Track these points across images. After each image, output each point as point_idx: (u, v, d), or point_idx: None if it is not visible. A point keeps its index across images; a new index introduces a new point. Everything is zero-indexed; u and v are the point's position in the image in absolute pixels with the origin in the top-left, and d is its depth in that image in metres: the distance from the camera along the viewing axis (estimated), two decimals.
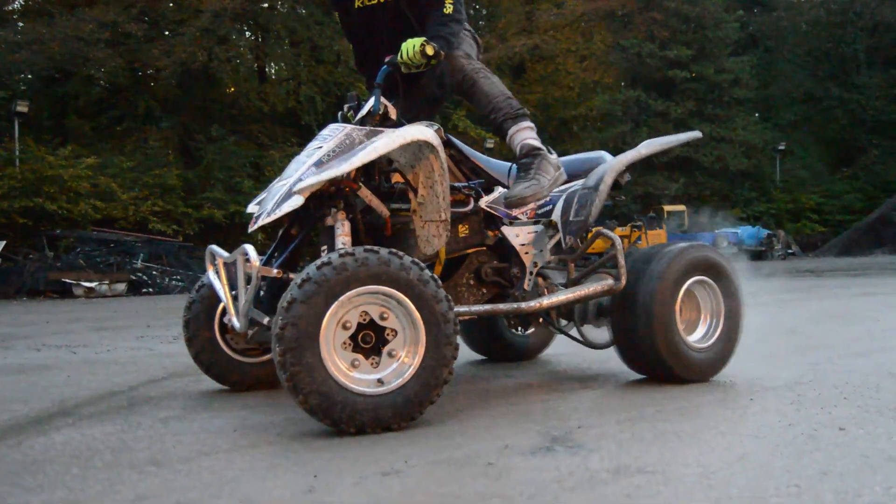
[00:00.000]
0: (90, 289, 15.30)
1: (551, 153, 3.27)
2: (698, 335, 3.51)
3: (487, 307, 3.22)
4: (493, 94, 3.24)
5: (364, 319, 2.63)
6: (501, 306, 3.24)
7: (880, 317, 6.44)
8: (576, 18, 34.32)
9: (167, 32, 24.15)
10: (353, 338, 2.62)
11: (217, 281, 3.17)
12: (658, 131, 33.85)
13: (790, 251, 30.33)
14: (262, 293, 3.12)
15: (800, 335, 5.31)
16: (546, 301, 3.28)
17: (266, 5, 26.52)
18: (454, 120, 29.94)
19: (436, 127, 3.05)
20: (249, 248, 2.81)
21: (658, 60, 34.06)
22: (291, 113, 25.11)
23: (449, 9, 3.24)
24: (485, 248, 3.45)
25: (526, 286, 3.41)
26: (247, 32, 27.57)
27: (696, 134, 3.94)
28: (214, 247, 3.30)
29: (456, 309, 2.81)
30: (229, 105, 25.50)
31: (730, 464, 2.10)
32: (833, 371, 3.61)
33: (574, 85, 32.39)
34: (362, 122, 3.13)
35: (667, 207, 29.67)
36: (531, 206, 3.47)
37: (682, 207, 30.05)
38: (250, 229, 2.98)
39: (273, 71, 29.23)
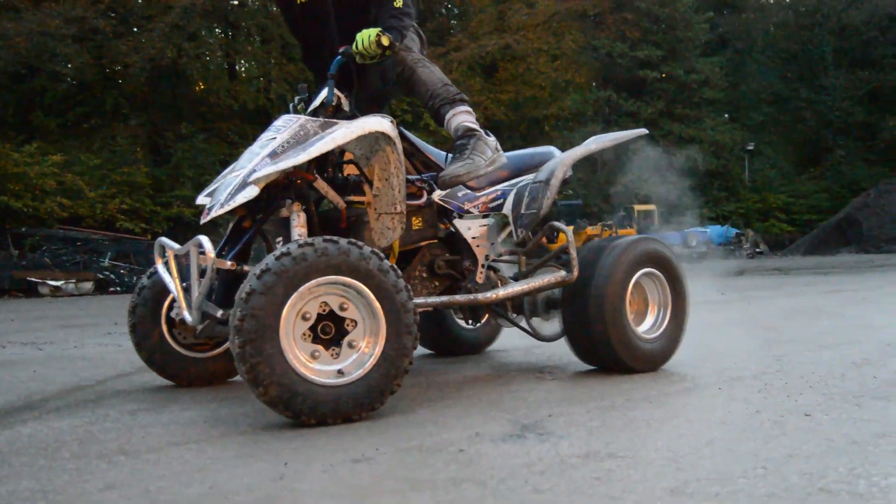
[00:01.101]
0: (56, 288, 15.11)
1: (489, 135, 3.27)
2: (646, 326, 3.59)
3: (444, 298, 3.24)
4: (431, 82, 3.25)
5: (324, 310, 2.61)
6: (458, 297, 3.26)
7: (846, 312, 6.53)
8: (547, 18, 34.40)
9: (136, 28, 23.90)
10: (312, 329, 2.60)
11: (167, 274, 3.12)
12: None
13: (758, 250, 30.66)
14: (214, 286, 3.08)
15: (768, 329, 5.37)
16: (502, 292, 3.31)
17: (236, 2, 26.36)
18: (426, 119, 29.96)
19: (390, 119, 3.03)
20: (204, 240, 2.76)
21: (629, 60, 34.33)
22: (262, 111, 24.95)
23: (399, 2, 3.24)
24: (437, 240, 3.47)
25: (478, 279, 3.46)
26: (216, 29, 27.36)
27: (643, 131, 4.03)
28: (164, 239, 3.27)
29: (415, 300, 2.81)
30: (199, 102, 25.29)
31: (698, 448, 2.12)
32: (799, 362, 3.66)
33: (545, 84, 32.48)
34: (315, 113, 3.10)
35: (637, 206, 29.89)
36: (482, 199, 3.50)
37: (652, 207, 30.28)
38: (202, 221, 2.92)
39: (243, 69, 29.03)
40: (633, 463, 2.00)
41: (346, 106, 3.13)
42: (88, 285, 15.69)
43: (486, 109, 31.37)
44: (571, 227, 28.06)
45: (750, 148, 37.44)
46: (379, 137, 2.96)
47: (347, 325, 2.63)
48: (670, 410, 2.67)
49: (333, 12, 3.34)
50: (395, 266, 2.68)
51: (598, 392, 3.05)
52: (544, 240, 3.67)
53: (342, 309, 2.62)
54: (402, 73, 3.28)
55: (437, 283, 3.47)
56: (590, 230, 26.91)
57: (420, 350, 4.54)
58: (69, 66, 22.58)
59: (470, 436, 2.36)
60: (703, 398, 2.87)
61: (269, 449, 2.31)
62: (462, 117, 3.24)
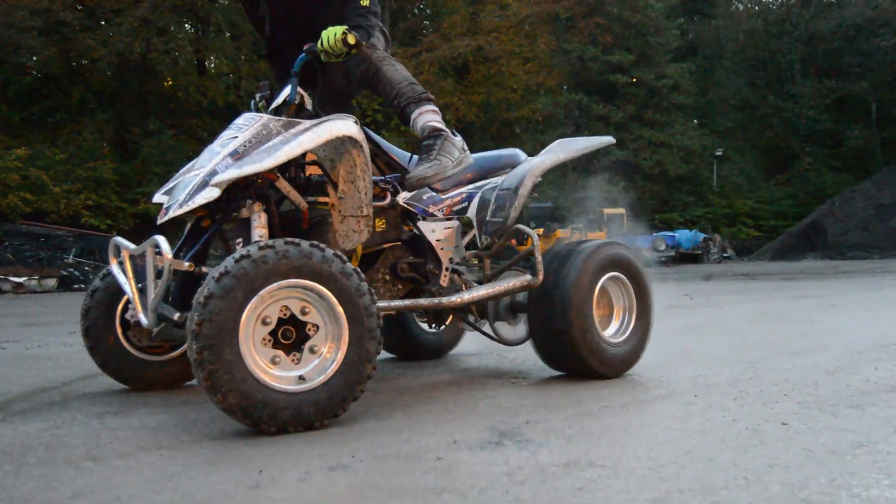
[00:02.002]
0: (19, 284, 14.84)
1: (455, 135, 3.23)
2: (612, 330, 3.59)
3: (408, 302, 3.19)
4: (396, 80, 3.20)
5: (284, 314, 2.54)
6: (422, 301, 3.22)
7: (815, 318, 6.58)
8: (520, 21, 34.51)
9: (104, 22, 23.60)
10: (273, 334, 2.53)
11: (122, 275, 3.02)
12: (599, 135, 34.16)
13: (726, 255, 31.01)
14: (170, 287, 2.98)
15: (738, 335, 5.40)
16: (467, 296, 3.27)
17: None
18: (396, 119, 29.85)
19: (354, 119, 2.98)
20: (161, 240, 2.67)
21: (600, 65, 34.54)
22: (231, 107, 24.73)
23: (366, 1, 3.20)
24: (400, 243, 3.42)
25: (442, 282, 3.42)
26: (186, 25, 27.08)
27: (610, 139, 4.01)
28: (119, 239, 3.17)
29: (378, 304, 2.77)
30: (167, 98, 25.04)
31: (678, 457, 2.10)
32: (772, 369, 3.67)
33: (517, 87, 32.58)
34: (277, 111, 3.04)
35: (606, 210, 30.03)
36: (447, 202, 3.47)
37: (621, 210, 30.46)
38: (159, 220, 2.84)
39: (213, 65, 28.77)
40: (614, 472, 1.98)
41: (308, 105, 3.07)
42: (52, 282, 15.44)
43: (457, 111, 31.37)
44: (541, 230, 28.37)
45: (718, 153, 37.82)
46: (345, 140, 2.90)
47: (309, 329, 2.57)
48: (648, 418, 2.66)
49: (298, 10, 3.28)
50: (359, 269, 2.63)
51: (574, 398, 3.04)
52: (513, 241, 3.66)
53: (304, 313, 2.56)
54: (367, 70, 3.21)
55: (400, 287, 3.41)
56: (560, 233, 27.00)
57: (381, 353, 4.48)
58: (34, 58, 22.23)
59: (448, 443, 2.33)
60: (680, 405, 2.86)
61: (243, 455, 2.26)
62: (428, 116, 3.20)
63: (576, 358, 3.38)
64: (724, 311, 7.67)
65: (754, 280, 16.40)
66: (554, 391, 3.21)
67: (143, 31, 22.43)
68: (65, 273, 16.03)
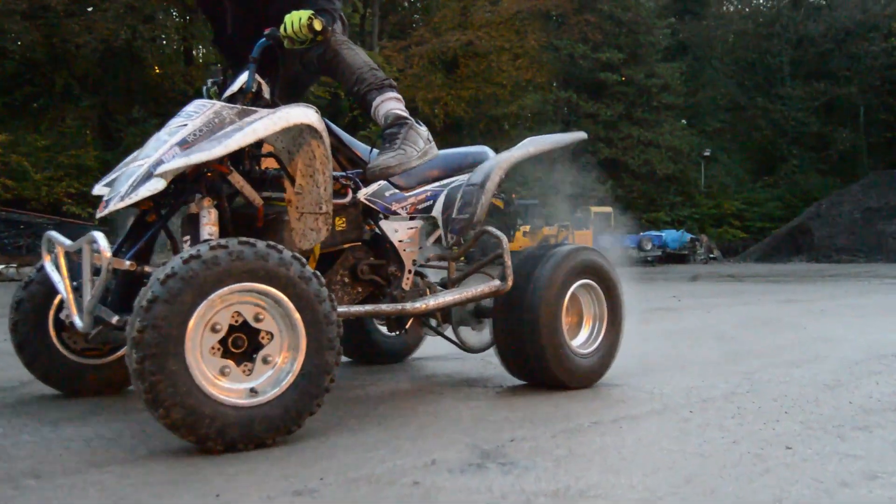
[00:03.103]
0: None
1: (420, 125, 3.04)
2: (581, 340, 3.43)
3: (369, 308, 2.97)
4: (356, 65, 3.00)
5: (236, 321, 2.31)
6: (384, 307, 3.00)
7: (806, 324, 6.44)
8: (510, 16, 34.33)
9: (90, 8, 23.25)
10: (223, 342, 2.30)
11: (56, 272, 2.79)
12: (588, 132, 34.12)
13: (712, 256, 30.97)
14: (109, 287, 2.73)
15: (730, 341, 5.24)
16: (432, 302, 3.06)
17: None
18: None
19: (314, 109, 2.74)
20: (99, 236, 2.44)
21: (590, 62, 34.41)
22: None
23: None
24: (361, 243, 3.20)
25: (404, 285, 3.20)
26: (173, 12, 26.75)
27: (581, 134, 3.84)
28: (53, 233, 2.94)
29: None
30: (153, 87, 24.73)
31: (677, 487, 1.92)
32: (769, 382, 3.51)
33: (506, 83, 32.39)
34: (232, 99, 2.80)
35: (594, 208, 29.95)
36: (410, 200, 3.28)
37: (608, 209, 30.37)
38: (99, 214, 2.60)
39: (200, 54, 28.44)
40: None
41: (266, 93, 2.84)
42: (30, 270, 15.15)
43: (446, 105, 31.21)
44: (528, 227, 28.23)
45: (706, 154, 37.80)
46: (304, 130, 2.65)
47: (262, 337, 2.35)
48: (642, 437, 2.48)
49: None
50: (318, 273, 2.42)
51: (562, 412, 2.86)
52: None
53: (257, 320, 2.33)
54: (324, 55, 3.00)
55: (359, 289, 3.19)
56: (546, 230, 26.88)
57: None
58: (18, 43, 21.85)
59: (426, 463, 2.14)
60: (676, 423, 2.68)
61: (201, 475, 2.06)
62: (391, 104, 3.00)
63: (542, 368, 3.22)
64: (714, 315, 7.52)
65: (741, 282, 16.31)
66: (540, 403, 3.02)
67: (129, 17, 22.11)
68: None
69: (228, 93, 2.82)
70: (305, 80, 3.30)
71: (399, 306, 2.99)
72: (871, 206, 30.67)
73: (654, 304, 9.24)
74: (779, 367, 3.97)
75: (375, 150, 3.06)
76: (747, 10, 45.52)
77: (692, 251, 29.68)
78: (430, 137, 3.04)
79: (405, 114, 3.00)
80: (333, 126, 3.04)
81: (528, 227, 27.51)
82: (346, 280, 3.13)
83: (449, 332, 3.56)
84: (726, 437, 2.45)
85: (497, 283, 3.18)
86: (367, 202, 3.13)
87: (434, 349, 4.39)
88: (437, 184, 3.36)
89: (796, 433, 2.50)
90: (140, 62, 24.10)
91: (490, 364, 4.07)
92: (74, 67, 23.53)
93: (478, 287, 3.16)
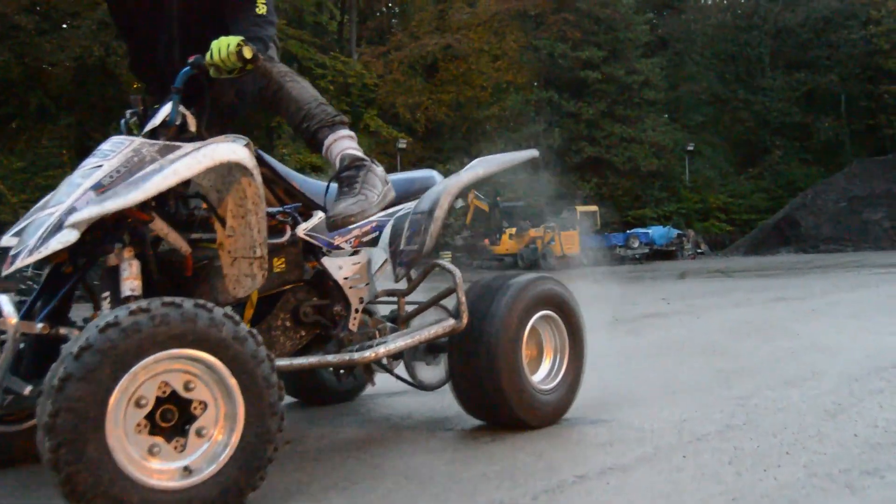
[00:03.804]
0: None
1: (377, 165, 2.81)
2: (542, 375, 3.23)
3: (313, 359, 2.71)
4: (303, 100, 2.77)
5: (164, 392, 2.06)
6: (330, 358, 2.73)
7: (798, 329, 6.24)
8: (489, 17, 34.17)
9: (65, 25, 22.93)
10: (150, 416, 2.04)
11: None
12: (570, 132, 34.17)
13: (700, 250, 30.86)
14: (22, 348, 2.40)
15: (722, 355, 5.03)
16: (382, 349, 2.78)
17: None
18: (365, 119, 29.41)
19: (245, 142, 2.49)
20: (2, 300, 2.20)
21: (570, 61, 34.27)
22: None
23: (262, 9, 2.73)
24: (303, 283, 2.93)
25: (351, 325, 2.95)
26: None
27: (533, 152, 3.59)
28: None
29: (277, 363, 2.33)
30: (129, 103, 24.34)
31: None
32: (766, 409, 3.29)
33: (487, 85, 32.23)
34: (153, 133, 2.52)
35: (579, 208, 29.80)
36: (355, 233, 3.03)
37: (594, 208, 30.24)
38: (5, 272, 2.30)
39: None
40: None
41: (192, 126, 2.57)
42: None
43: (427, 110, 31.00)
44: (514, 230, 28.03)
45: (690, 148, 37.70)
46: (233, 168, 2.39)
47: (195, 408, 2.09)
48: (635, 496, 2.25)
49: (177, 14, 2.78)
50: (255, 332, 2.17)
51: (544, 462, 2.63)
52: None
53: (188, 389, 2.07)
54: (267, 88, 2.76)
55: (303, 333, 2.92)
56: (533, 232, 26.72)
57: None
58: None
59: None
60: (668, 473, 2.45)
61: None
62: (345, 143, 2.77)
63: (502, 408, 3.00)
64: (704, 321, 7.32)
65: (730, 278, 16.17)
66: (519, 452, 2.76)
67: (102, 34, 21.76)
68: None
69: (150, 126, 2.54)
70: (242, 110, 3.04)
71: (346, 356, 2.72)
72: (855, 195, 30.66)
73: (642, 310, 9.04)
74: (774, 388, 3.75)
75: (310, 180, 2.83)
76: (726, 2, 45.48)
77: (680, 247, 29.57)
78: (388, 178, 2.81)
79: (361, 154, 2.77)
80: (267, 157, 2.78)
81: (514, 230, 27.34)
82: (288, 324, 2.86)
83: (400, 368, 3.30)
84: (725, 493, 2.22)
85: (451, 321, 2.94)
86: (307, 238, 2.86)
87: (386, 384, 3.93)
88: (382, 213, 3.09)
89: (800, 483, 2.28)
90: (115, 78, 23.72)
91: (448, 400, 3.81)
92: (49, 87, 23.16)
93: (430, 328, 2.91)
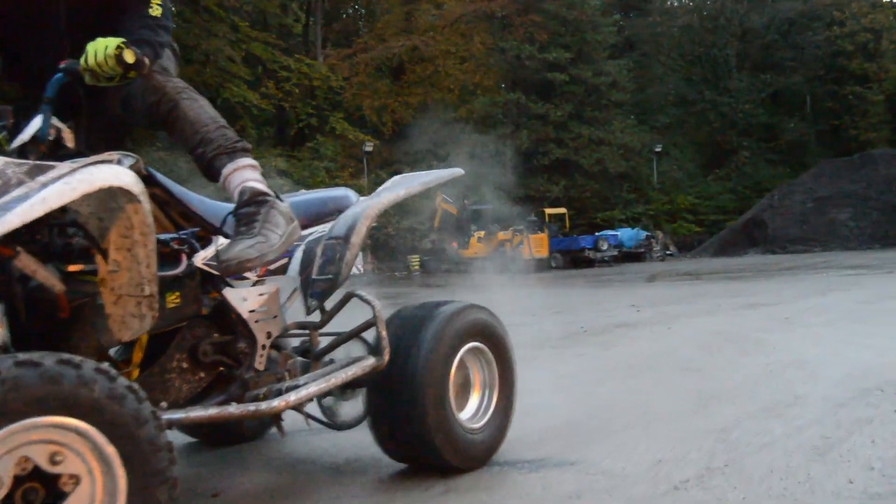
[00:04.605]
0: None
1: (281, 200, 2.45)
2: (469, 413, 2.95)
3: (212, 411, 2.30)
4: (200, 122, 2.39)
5: (24, 469, 1.66)
6: (233, 409, 2.34)
7: (773, 341, 5.99)
8: (455, 19, 33.97)
9: None
10: (8, 500, 1.65)
11: None
12: (538, 134, 34.00)
13: (668, 252, 30.83)
14: None
15: (696, 374, 4.76)
16: (293, 396, 2.39)
17: None
18: (331, 122, 29.02)
19: (131, 161, 2.13)
20: None
21: (537, 63, 34.10)
22: None
23: (156, 10, 2.38)
24: (201, 318, 2.53)
25: (257, 364, 2.56)
26: None
27: (459, 171, 3.29)
28: None
29: (168, 416, 2.00)
30: None
31: None
32: (748, 446, 2.99)
33: (454, 87, 32.01)
34: (23, 150, 2.11)
35: (548, 210, 29.66)
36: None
37: (563, 210, 30.10)
38: None
39: None
40: None
41: (69, 141, 2.19)
42: None
43: (393, 112, 30.69)
44: (483, 233, 27.85)
45: (658, 150, 37.75)
46: (116, 193, 2.00)
47: (64, 484, 1.70)
48: None
49: (64, 13, 2.40)
50: (136, 387, 1.79)
51: None
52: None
53: (54, 462, 1.69)
54: (159, 104, 2.37)
55: (202, 375, 2.52)
56: (501, 235, 26.49)
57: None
58: None
59: None
60: None
61: None
62: (247, 174, 2.39)
63: (426, 448, 2.71)
64: (676, 332, 7.05)
65: (700, 280, 16.03)
66: (473, 500, 2.46)
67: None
68: None
69: (18, 142, 2.12)
70: (132, 122, 2.67)
71: (252, 407, 2.33)
72: (821, 195, 30.82)
73: (612, 318, 8.79)
74: (756, 418, 3.46)
75: (210, 200, 2.47)
76: (692, 3, 45.65)
77: (648, 249, 29.50)
78: (293, 216, 2.44)
79: (264, 188, 2.40)
80: (160, 177, 2.39)
81: (482, 233, 27.09)
82: (185, 366, 2.46)
83: (312, 406, 2.91)
84: None
85: (371, 360, 2.61)
86: (206, 267, 2.47)
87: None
88: None
89: None
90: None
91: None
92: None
93: (348, 369, 2.56)
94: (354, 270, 2.76)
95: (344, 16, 40.41)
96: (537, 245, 25.93)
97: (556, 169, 33.92)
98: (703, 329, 7.20)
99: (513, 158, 34.01)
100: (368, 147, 28.19)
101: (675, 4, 46.59)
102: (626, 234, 29.64)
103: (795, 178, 34.19)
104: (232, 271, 2.26)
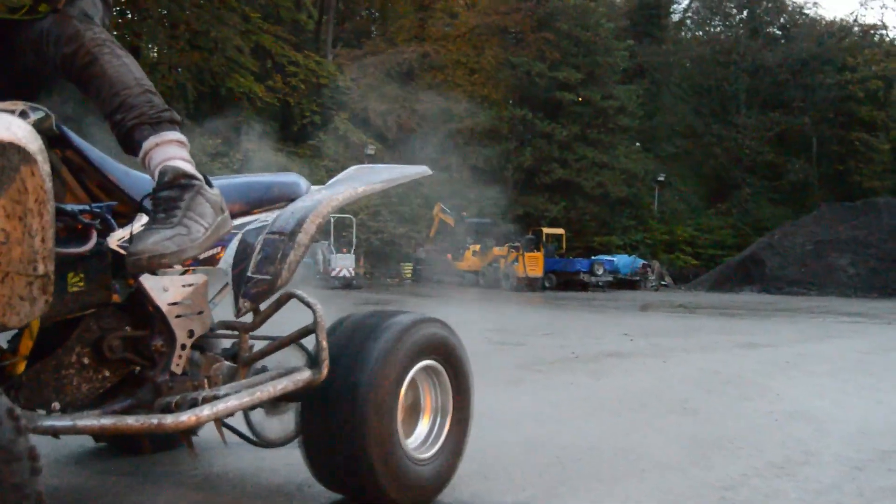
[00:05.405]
0: None
1: (211, 186, 2.03)
2: (417, 440, 2.58)
3: (106, 422, 1.91)
4: (122, 82, 1.97)
5: None
6: (132, 422, 1.93)
7: (775, 388, 5.63)
8: (468, 30, 33.76)
9: None
10: None
11: None
12: (542, 152, 33.72)
13: (664, 282, 30.49)
14: None
15: (695, 417, 4.39)
16: (208, 412, 1.98)
17: None
18: (335, 122, 28.68)
19: (39, 115, 1.75)
20: None
21: (547, 81, 33.82)
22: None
23: None
24: (111, 306, 2.13)
25: (174, 367, 2.16)
26: (116, 8, 25.53)
27: (425, 170, 2.90)
28: None
29: (49, 422, 1.69)
30: None
31: None
32: None
33: (461, 97, 31.69)
34: None
35: (546, 230, 29.36)
36: None
37: (560, 231, 29.78)
38: None
39: (144, 53, 27.24)
40: None
41: None
42: None
43: (399, 117, 30.38)
44: (478, 247, 27.59)
45: (661, 178, 37.48)
46: (7, 150, 1.60)
47: None
48: None
49: None
50: (8, 404, 1.41)
51: None
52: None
53: None
54: (75, 56, 1.95)
55: (107, 374, 2.13)
56: (496, 250, 26.17)
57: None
58: None
59: None
60: None
61: None
62: (171, 151, 1.97)
63: (366, 480, 2.31)
64: (671, 368, 6.68)
65: (694, 315, 15.68)
66: None
67: None
68: None
69: None
70: (47, 78, 2.24)
71: (154, 420, 1.90)
72: (822, 239, 30.49)
73: (604, 346, 8.43)
74: (764, 476, 3.08)
75: (136, 173, 2.07)
76: (706, 36, 45.50)
77: (644, 277, 29.15)
78: (224, 205, 2.02)
79: (191, 169, 1.99)
80: (75, 138, 1.99)
81: (478, 247, 26.76)
82: (87, 361, 2.07)
83: (237, 418, 2.51)
84: None
85: (307, 373, 2.23)
86: (119, 249, 2.07)
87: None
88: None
89: None
90: None
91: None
92: None
93: (278, 382, 2.17)
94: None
95: (357, 17, 40.16)
96: (532, 264, 25.57)
97: (556, 189, 33.60)
98: (698, 366, 6.84)
99: (514, 175, 33.76)
100: (370, 150, 27.83)
101: (689, 35, 46.45)
102: (622, 260, 29.28)
103: (796, 218, 33.90)
104: (141, 267, 1.83)
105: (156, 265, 1.82)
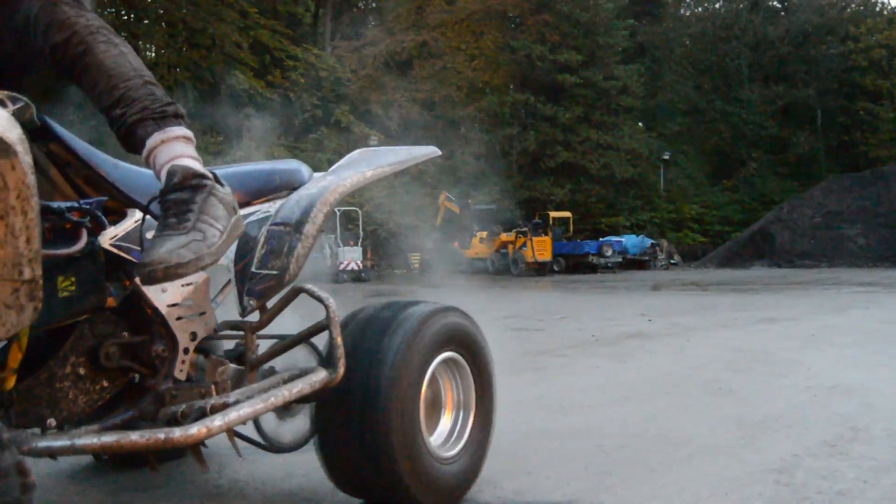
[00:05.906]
0: None
1: (222, 185, 1.85)
2: (440, 438, 2.43)
3: (107, 440, 1.74)
4: (121, 74, 1.79)
5: None
6: (136, 437, 1.76)
7: (806, 361, 5.50)
8: (467, 16, 33.50)
9: None
10: None
11: None
12: (546, 135, 33.51)
13: (673, 261, 30.35)
14: None
15: (727, 395, 4.27)
16: (219, 423, 1.83)
17: None
18: (336, 115, 28.52)
19: (18, 105, 1.56)
20: None
21: (548, 64, 33.56)
22: None
23: None
24: (107, 311, 1.98)
25: (177, 373, 2.01)
26: (111, 10, 25.39)
27: (434, 150, 2.76)
28: None
29: (44, 443, 1.55)
30: None
31: None
32: (821, 495, 2.48)
33: (462, 84, 31.50)
34: None
35: (552, 213, 29.19)
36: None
37: (567, 214, 29.61)
38: None
39: (142, 54, 27.10)
40: None
41: None
42: None
43: (400, 107, 30.20)
44: (485, 234, 27.48)
45: (665, 157, 37.27)
46: None
47: None
48: None
49: None
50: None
51: None
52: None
53: None
54: (67, 45, 1.76)
55: (105, 384, 1.98)
56: (504, 237, 26.04)
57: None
58: None
59: None
60: None
61: None
62: (178, 149, 1.78)
63: (391, 482, 2.17)
64: (694, 347, 6.55)
65: (706, 292, 15.55)
66: None
67: None
68: None
69: None
70: (34, 65, 2.09)
71: (161, 435, 1.74)
72: (830, 210, 30.31)
73: (623, 328, 8.31)
74: (817, 456, 2.95)
75: (127, 165, 1.92)
76: (706, 12, 45.13)
77: (653, 257, 29.01)
78: (237, 205, 1.85)
79: (201, 168, 1.82)
80: (61, 131, 1.81)
81: (484, 234, 26.62)
82: (82, 372, 1.92)
83: (247, 427, 2.36)
84: None
85: (323, 374, 2.08)
86: (113, 249, 1.94)
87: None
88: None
89: None
90: None
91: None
92: None
93: (293, 386, 2.02)
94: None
95: (354, 8, 39.92)
96: (541, 248, 25.43)
97: (562, 172, 33.41)
98: (723, 345, 6.71)
99: (519, 159, 33.57)
100: (373, 141, 27.66)
101: (689, 12, 46.08)
102: (630, 240, 29.14)
103: (803, 191, 33.69)
104: (156, 279, 1.66)
105: (172, 275, 1.66)
